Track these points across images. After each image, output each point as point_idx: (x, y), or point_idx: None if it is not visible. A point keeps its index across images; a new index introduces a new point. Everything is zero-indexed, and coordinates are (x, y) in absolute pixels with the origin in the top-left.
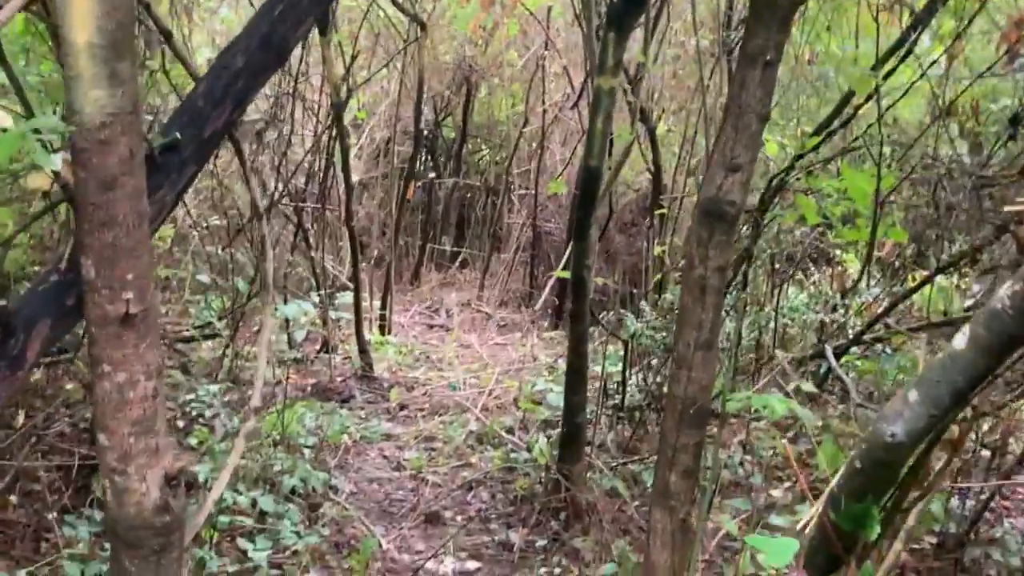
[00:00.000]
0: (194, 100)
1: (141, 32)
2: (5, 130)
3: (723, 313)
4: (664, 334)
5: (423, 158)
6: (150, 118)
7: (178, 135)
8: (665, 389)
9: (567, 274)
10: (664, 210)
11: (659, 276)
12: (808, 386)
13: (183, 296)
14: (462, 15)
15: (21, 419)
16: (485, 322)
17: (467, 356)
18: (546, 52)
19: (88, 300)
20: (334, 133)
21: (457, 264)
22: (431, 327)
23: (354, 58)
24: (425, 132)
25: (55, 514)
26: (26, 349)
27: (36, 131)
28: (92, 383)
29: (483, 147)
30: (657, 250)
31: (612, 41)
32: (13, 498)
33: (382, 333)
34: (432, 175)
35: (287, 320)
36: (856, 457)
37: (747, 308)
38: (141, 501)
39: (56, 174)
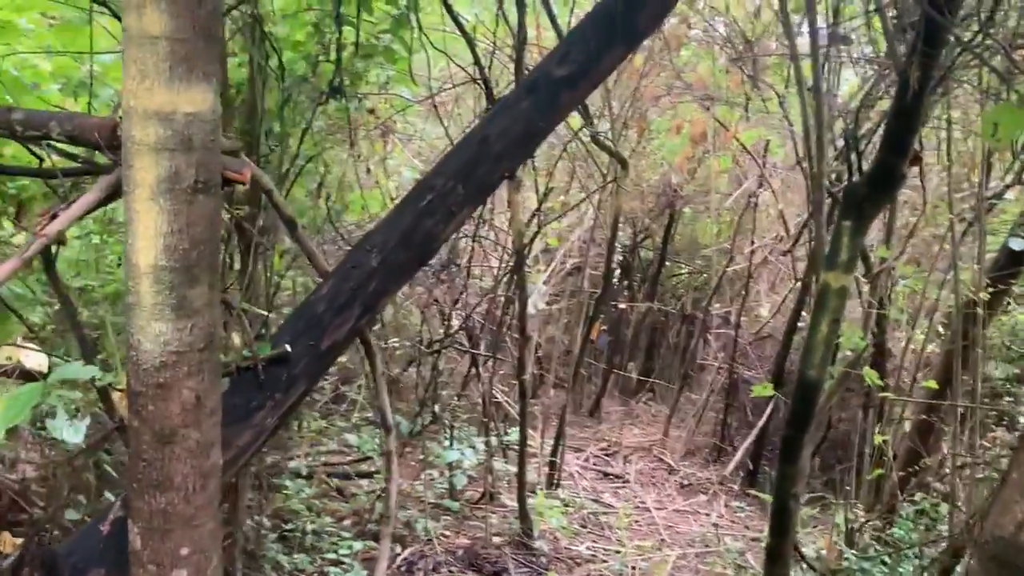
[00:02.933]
0: (314, 304)
1: (268, 217)
2: (36, 378)
3: None
4: (886, 570)
5: (618, 280)
6: (266, 315)
7: (288, 347)
8: None
9: (767, 497)
10: (887, 393)
11: (878, 472)
12: None
13: (352, 417)
14: (671, 146)
15: None
16: (666, 477)
17: (641, 523)
18: (759, 190)
19: (132, 574)
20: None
21: (642, 397)
22: (605, 475)
23: (546, 194)
24: (621, 255)
25: None
26: None
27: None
28: None
29: (682, 271)
30: (877, 439)
31: (848, 231)
32: None
33: (550, 484)
34: (622, 302)
35: (450, 464)
36: None
37: None
38: None
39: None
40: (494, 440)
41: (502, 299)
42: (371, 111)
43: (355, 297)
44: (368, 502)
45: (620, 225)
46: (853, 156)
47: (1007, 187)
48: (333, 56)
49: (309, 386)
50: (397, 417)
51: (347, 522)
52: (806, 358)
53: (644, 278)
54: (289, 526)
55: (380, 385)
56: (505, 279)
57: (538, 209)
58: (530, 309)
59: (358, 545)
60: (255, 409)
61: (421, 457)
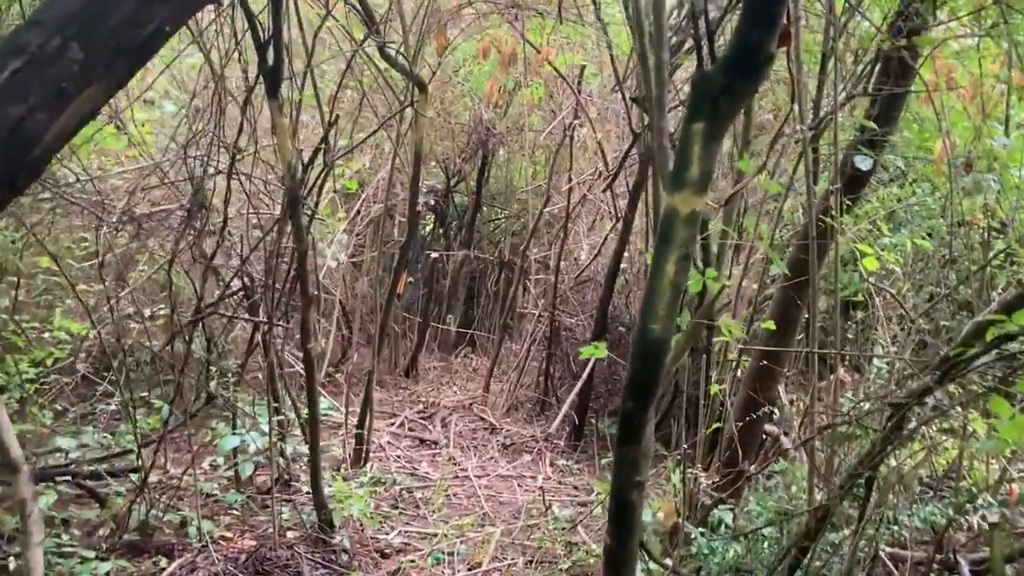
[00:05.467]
0: None
1: None
2: None
3: None
4: (741, 553)
5: (433, 228)
6: None
7: None
8: None
9: (605, 487)
10: (725, 337)
11: (715, 425)
12: None
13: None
14: (479, 74)
15: None
16: (488, 437)
17: (461, 495)
18: (576, 121)
19: None
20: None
21: (462, 351)
22: (422, 442)
23: (331, 125)
24: (434, 201)
25: None
26: None
27: None
28: None
29: (499, 216)
30: (713, 388)
31: (700, 137)
32: None
33: (358, 460)
34: (438, 250)
35: (234, 451)
36: None
37: None
38: None
39: None
40: (291, 416)
41: (289, 252)
42: None
43: None
44: (127, 502)
45: (432, 169)
46: (703, 39)
47: (847, 100)
48: None
49: None
50: (159, 402)
51: (103, 532)
52: (648, 309)
53: (460, 224)
54: (16, 550)
55: None
56: (276, 227)
57: (323, 141)
58: (330, 262)
59: (105, 567)
60: None
61: (205, 441)
